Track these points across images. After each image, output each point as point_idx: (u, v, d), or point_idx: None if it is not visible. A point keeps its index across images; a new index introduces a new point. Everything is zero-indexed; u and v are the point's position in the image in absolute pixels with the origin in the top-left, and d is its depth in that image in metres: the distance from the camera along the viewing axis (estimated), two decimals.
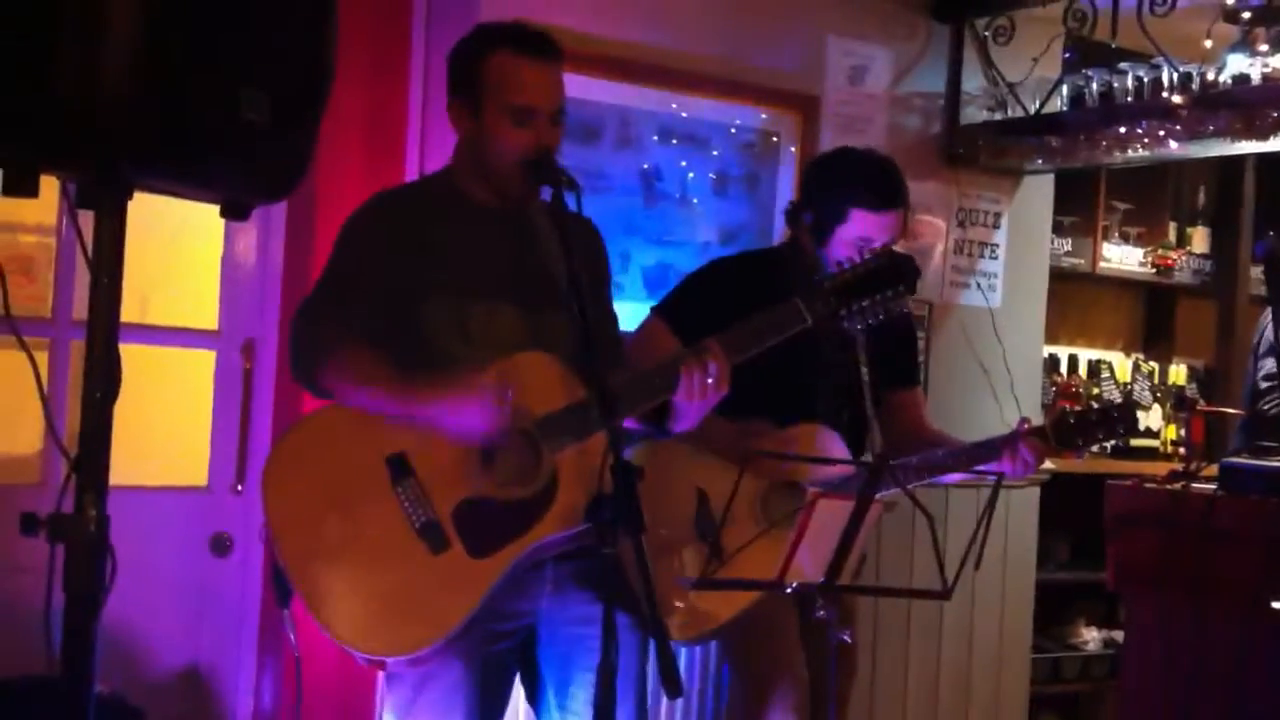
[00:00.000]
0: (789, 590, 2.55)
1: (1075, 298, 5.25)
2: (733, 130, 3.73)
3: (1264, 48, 3.44)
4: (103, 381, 1.64)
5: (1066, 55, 3.95)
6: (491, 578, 2.32)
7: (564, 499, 2.34)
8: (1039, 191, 4.32)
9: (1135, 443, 4.91)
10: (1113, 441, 2.98)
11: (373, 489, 2.33)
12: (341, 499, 2.32)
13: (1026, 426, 2.94)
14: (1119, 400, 5.00)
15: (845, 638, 2.61)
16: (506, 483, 2.35)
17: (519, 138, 2.42)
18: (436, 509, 2.32)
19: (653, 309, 3.18)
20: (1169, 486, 3.29)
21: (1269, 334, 4.02)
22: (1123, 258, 5.22)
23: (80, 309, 3.11)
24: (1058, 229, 4.72)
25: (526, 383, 2.35)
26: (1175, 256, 5.31)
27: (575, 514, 2.31)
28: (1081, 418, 2.97)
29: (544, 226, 2.51)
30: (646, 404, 2.45)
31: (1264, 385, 3.93)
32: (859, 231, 2.96)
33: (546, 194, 2.40)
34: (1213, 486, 3.20)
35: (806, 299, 2.53)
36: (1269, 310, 4.16)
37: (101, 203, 1.61)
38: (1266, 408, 3.88)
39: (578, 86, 3.46)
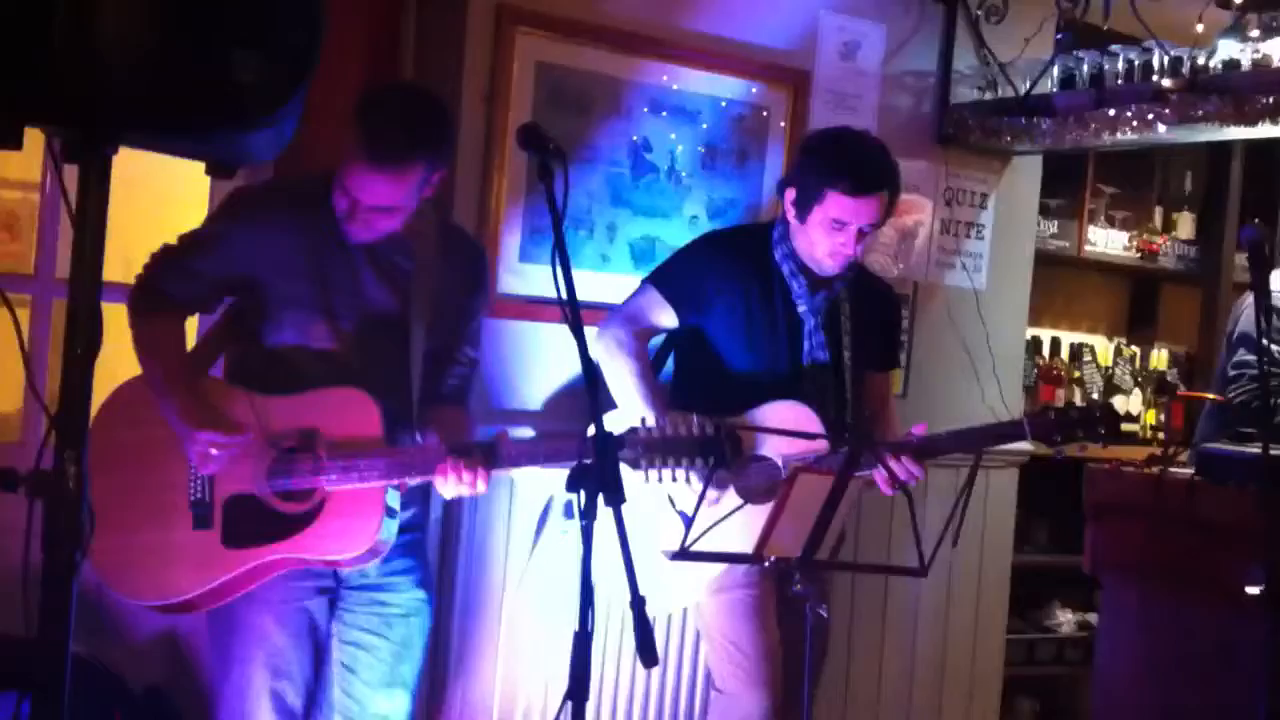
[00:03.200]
0: (767, 564, 2.57)
1: (1060, 281, 5.27)
2: (723, 104, 3.72)
3: (1255, 34, 3.44)
4: (84, 339, 1.63)
5: (1059, 37, 3.94)
6: (231, 569, 2.50)
7: (320, 526, 2.50)
8: (1027, 173, 4.32)
9: None
10: (1091, 443, 2.96)
11: (175, 450, 2.52)
12: (148, 451, 2.53)
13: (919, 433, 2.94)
14: (1100, 390, 5.02)
15: (823, 613, 2.62)
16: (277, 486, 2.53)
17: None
18: (215, 491, 2.52)
19: (645, 279, 3.18)
20: (1147, 471, 3.31)
21: (1243, 322, 4.04)
22: (1108, 242, 5.23)
23: (63, 268, 3.09)
24: (1044, 211, 4.73)
25: (335, 412, 2.53)
26: (1160, 242, 5.33)
27: (322, 545, 2.50)
28: (1063, 415, 2.96)
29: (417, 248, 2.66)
30: (427, 479, 2.56)
31: (1232, 373, 3.95)
32: (833, 213, 2.96)
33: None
34: (1190, 471, 3.22)
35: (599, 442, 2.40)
36: (1244, 297, 4.18)
37: (86, 158, 1.60)
38: (1232, 395, 3.91)
39: (568, 55, 3.46)
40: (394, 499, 2.56)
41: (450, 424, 2.67)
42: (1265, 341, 3.86)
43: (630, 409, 2.95)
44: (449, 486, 2.52)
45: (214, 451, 2.48)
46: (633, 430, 2.50)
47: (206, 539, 2.51)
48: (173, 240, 2.65)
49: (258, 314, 2.62)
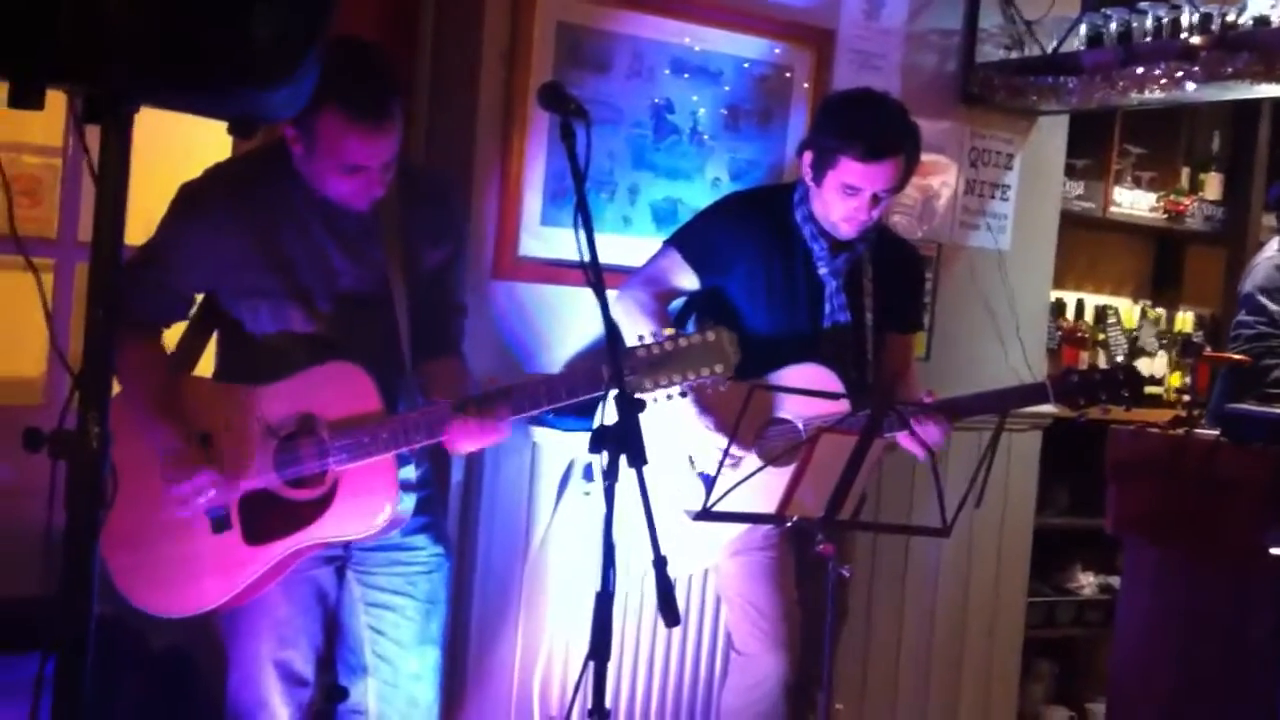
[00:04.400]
0: (789, 524, 2.57)
1: (1084, 242, 5.22)
2: (746, 64, 3.69)
3: None
4: (105, 300, 1.63)
5: None
6: (258, 567, 2.49)
7: (338, 507, 2.48)
8: (1053, 133, 4.28)
9: None
10: (1115, 405, 2.93)
11: None
12: (155, 462, 2.47)
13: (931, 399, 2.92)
14: (1125, 353, 4.98)
15: (845, 572, 2.62)
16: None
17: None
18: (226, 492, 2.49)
19: (666, 241, 3.17)
20: (1171, 432, 3.29)
21: (1248, 282, 4.03)
22: (1134, 202, 5.18)
23: (86, 232, 3.10)
24: (1069, 172, 4.68)
25: (327, 390, 2.49)
26: (1187, 203, 5.27)
27: (343, 525, 2.49)
28: (1085, 377, 2.94)
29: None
30: (435, 440, 2.51)
31: (1231, 333, 3.95)
32: (846, 179, 2.94)
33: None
34: (1216, 433, 3.20)
35: (612, 366, 2.37)
36: (1259, 253, 4.16)
37: (108, 117, 1.59)
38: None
39: (590, 16, 3.44)
40: (408, 472, 2.54)
41: (449, 376, 2.63)
42: (1269, 303, 3.88)
43: None
44: (468, 441, 2.47)
45: (199, 499, 2.47)
46: (631, 351, 2.40)
47: (228, 541, 2.50)
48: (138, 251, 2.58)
49: (234, 306, 2.58)
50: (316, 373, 2.51)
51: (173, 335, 2.70)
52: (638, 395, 2.23)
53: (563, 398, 2.48)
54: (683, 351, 2.37)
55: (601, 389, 2.40)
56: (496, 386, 2.50)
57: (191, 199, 2.57)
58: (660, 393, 2.38)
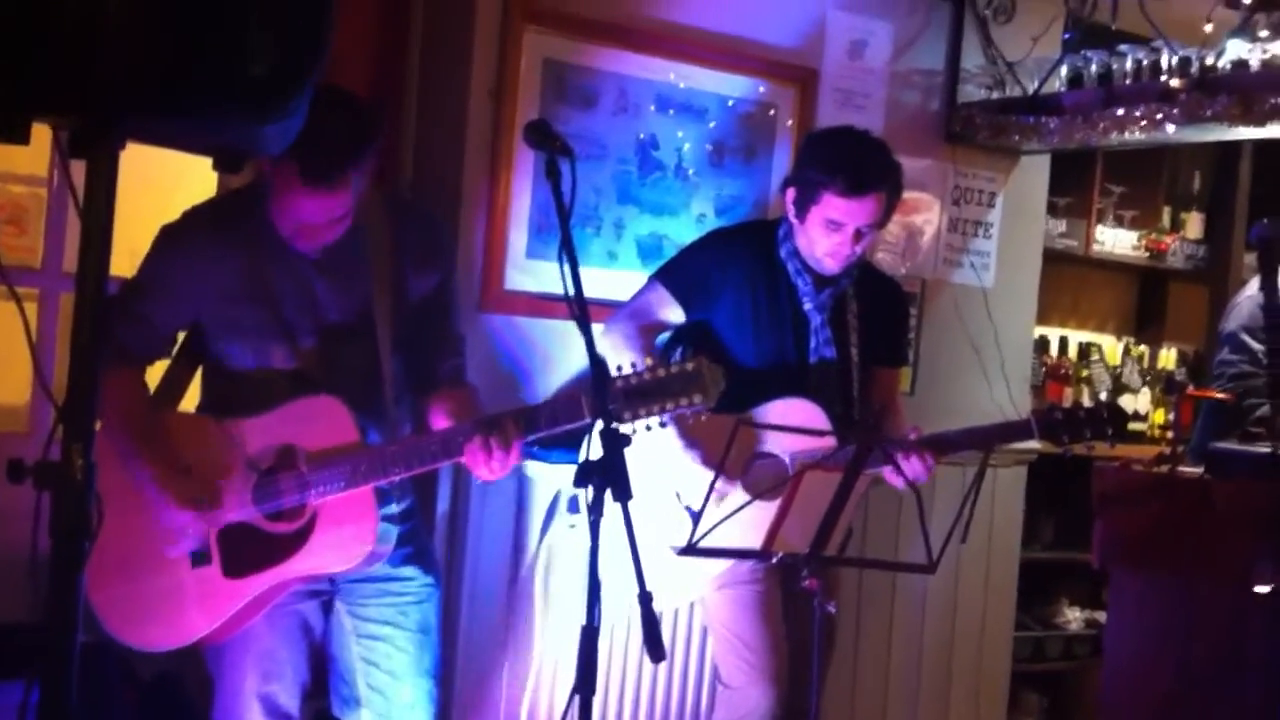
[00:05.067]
0: (774, 560, 2.57)
1: (1067, 279, 5.26)
2: (730, 102, 3.72)
3: (1264, 34, 3.43)
4: (91, 332, 1.63)
5: (1066, 36, 3.95)
6: (237, 600, 2.48)
7: (316, 541, 2.48)
8: (1035, 172, 4.32)
9: None
10: (1099, 442, 2.95)
11: None
12: (133, 495, 2.48)
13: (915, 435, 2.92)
14: (1109, 389, 5.01)
15: (831, 609, 2.62)
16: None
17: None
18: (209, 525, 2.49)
19: (652, 276, 3.18)
20: (1156, 470, 3.30)
21: (1231, 320, 4.05)
22: (1116, 241, 5.22)
23: (70, 261, 3.10)
24: (1052, 210, 4.72)
25: (307, 423, 2.49)
26: (1169, 241, 5.32)
27: (322, 558, 2.49)
28: (1069, 414, 2.96)
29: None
30: (415, 471, 2.50)
31: (1215, 371, 3.97)
32: (829, 214, 2.97)
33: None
34: (1199, 470, 3.21)
35: (592, 396, 2.39)
36: (1237, 294, 4.19)
37: (94, 152, 1.59)
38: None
39: (577, 53, 3.47)
40: (389, 504, 2.54)
41: (459, 404, 2.62)
42: (1252, 342, 3.90)
43: None
44: (480, 464, 2.43)
45: (185, 534, 2.47)
46: (610, 381, 2.36)
47: (208, 575, 2.50)
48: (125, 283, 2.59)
49: (216, 342, 2.59)
50: (296, 406, 2.51)
51: (157, 371, 2.69)
52: (617, 426, 2.20)
53: (541, 427, 2.47)
54: (662, 382, 2.36)
55: (582, 418, 2.40)
56: (512, 410, 2.50)
57: (173, 236, 2.58)
58: (640, 423, 2.38)
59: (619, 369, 2.40)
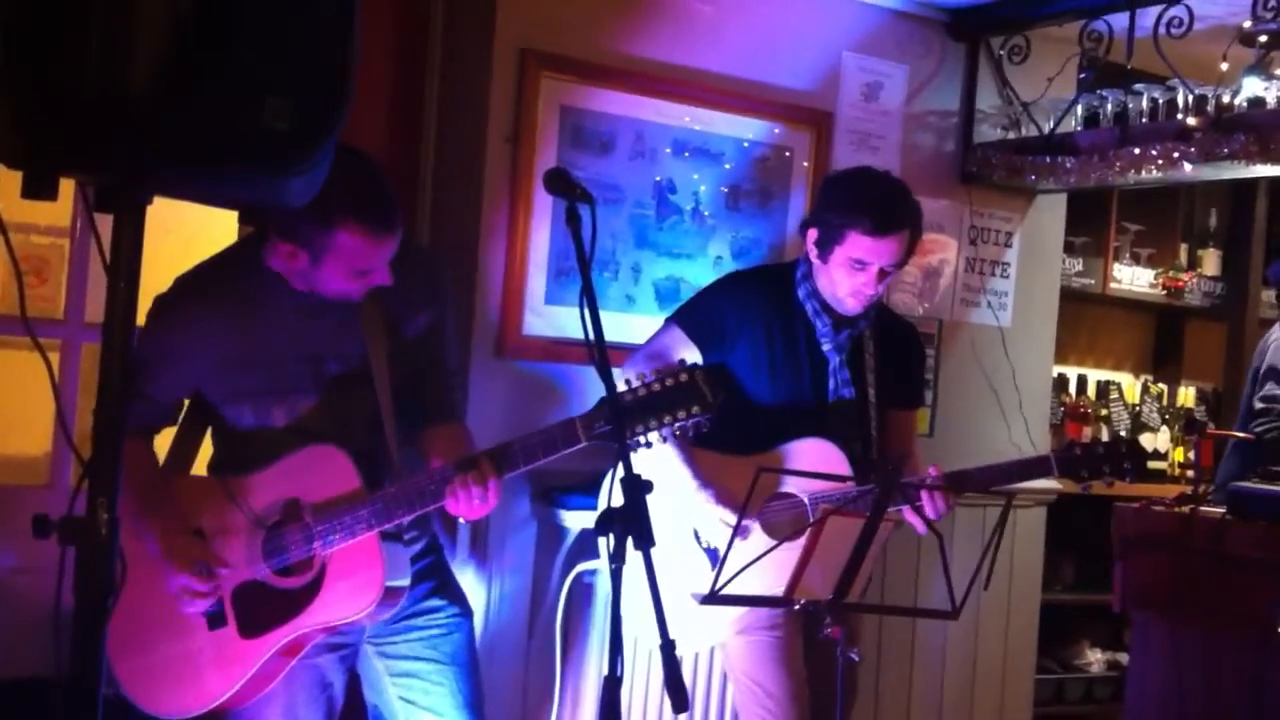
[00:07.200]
0: (797, 607, 2.55)
1: (1085, 318, 5.25)
2: (746, 144, 3.73)
3: None
4: (117, 385, 1.64)
5: (1082, 75, 3.95)
6: (255, 659, 2.47)
7: (327, 592, 2.47)
8: (1051, 211, 4.32)
9: None
10: (1119, 479, 2.93)
11: None
12: (146, 561, 2.45)
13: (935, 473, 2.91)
14: (1128, 428, 4.98)
15: (854, 656, 2.60)
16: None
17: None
18: (221, 587, 2.48)
19: (669, 318, 3.18)
20: (1177, 510, 3.28)
21: (1271, 355, 4.01)
22: (1133, 279, 5.21)
23: (92, 312, 3.11)
24: (1069, 249, 4.72)
25: (309, 474, 2.48)
26: (1186, 279, 5.31)
27: (336, 609, 2.46)
28: (1088, 450, 2.95)
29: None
30: (418, 512, 2.49)
31: (1259, 406, 3.92)
32: (854, 253, 2.97)
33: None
34: (1221, 510, 3.19)
35: (586, 420, 2.41)
36: (1270, 331, 4.16)
37: (122, 207, 1.61)
38: (1259, 430, 3.87)
39: (593, 99, 3.49)
40: (397, 547, 2.53)
41: (448, 441, 2.61)
42: None
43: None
44: (460, 505, 2.44)
45: (202, 596, 2.46)
46: (604, 400, 2.33)
47: (225, 636, 2.48)
48: None
49: (218, 406, 2.58)
50: (297, 457, 2.51)
51: (168, 432, 2.70)
52: (638, 475, 2.17)
53: (539, 457, 2.46)
54: (657, 396, 2.36)
55: (558, 450, 2.42)
56: (486, 449, 2.49)
57: (166, 307, 2.56)
58: (641, 439, 2.37)
59: (609, 388, 2.34)
